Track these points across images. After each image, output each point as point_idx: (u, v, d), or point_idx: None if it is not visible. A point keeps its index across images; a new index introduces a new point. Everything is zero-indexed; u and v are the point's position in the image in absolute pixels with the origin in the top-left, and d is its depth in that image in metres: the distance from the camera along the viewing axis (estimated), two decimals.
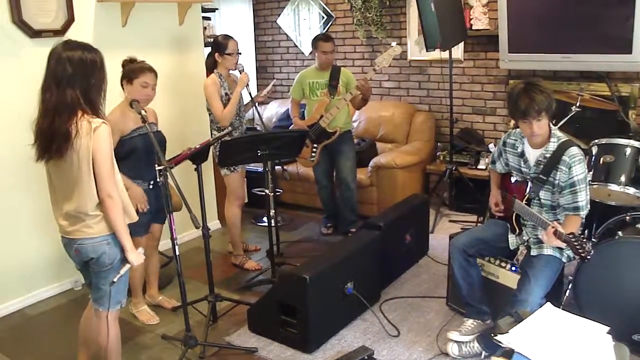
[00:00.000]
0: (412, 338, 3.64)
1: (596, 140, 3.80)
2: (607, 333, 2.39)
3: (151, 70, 3.63)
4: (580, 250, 2.86)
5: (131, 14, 4.63)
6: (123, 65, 3.64)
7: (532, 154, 3.32)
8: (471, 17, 5.76)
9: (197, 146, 3.58)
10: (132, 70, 3.60)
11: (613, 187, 3.60)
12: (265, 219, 4.39)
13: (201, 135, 4.99)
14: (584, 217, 3.22)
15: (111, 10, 4.55)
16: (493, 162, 3.66)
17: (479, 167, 5.75)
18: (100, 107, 2.72)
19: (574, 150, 3.16)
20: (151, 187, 3.74)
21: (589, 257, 2.87)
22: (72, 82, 2.62)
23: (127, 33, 4.68)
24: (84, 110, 2.64)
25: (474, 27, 5.76)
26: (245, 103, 4.72)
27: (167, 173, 3.21)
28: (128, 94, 3.60)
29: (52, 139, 2.61)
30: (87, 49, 2.71)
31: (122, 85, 3.62)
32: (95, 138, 2.62)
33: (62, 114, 2.61)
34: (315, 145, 5.12)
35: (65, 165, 2.67)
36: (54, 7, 4.19)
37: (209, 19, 6.12)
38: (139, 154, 3.62)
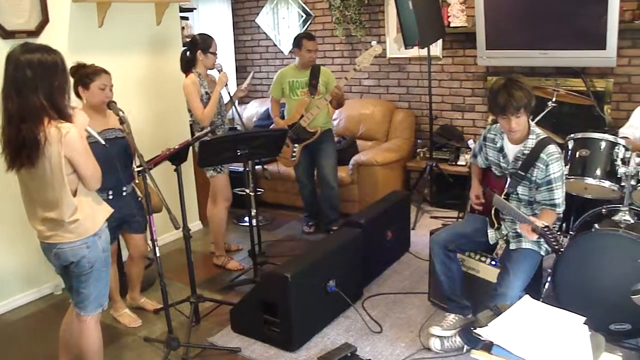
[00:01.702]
0: (395, 334, 3.66)
1: (572, 135, 3.84)
2: (584, 323, 2.42)
3: (105, 71, 3.52)
4: (554, 243, 2.92)
5: (107, 14, 4.58)
6: (73, 73, 3.43)
7: (511, 150, 3.35)
8: (449, 14, 5.79)
9: (176, 147, 3.56)
10: (86, 74, 3.47)
11: (589, 180, 3.65)
12: (246, 218, 4.38)
13: (181, 135, 4.97)
14: (560, 213, 3.27)
15: (87, 10, 4.50)
16: (474, 156, 3.69)
17: (458, 163, 5.79)
18: (67, 109, 2.64)
19: (551, 148, 3.20)
20: (111, 196, 3.60)
21: (562, 250, 2.93)
22: (34, 87, 2.52)
23: (103, 34, 4.64)
24: (50, 116, 2.56)
25: (451, 25, 5.80)
26: (225, 102, 4.71)
27: (146, 174, 3.18)
28: (86, 100, 3.50)
29: (21, 148, 2.54)
30: (47, 51, 2.61)
31: (77, 93, 3.48)
32: (67, 143, 2.56)
33: (27, 122, 2.52)
34: (295, 144, 5.13)
35: (38, 173, 2.62)
36: (27, 7, 4.13)
37: (187, 18, 6.09)
38: (102, 159, 3.23)
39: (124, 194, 3.67)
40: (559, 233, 2.94)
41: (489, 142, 3.50)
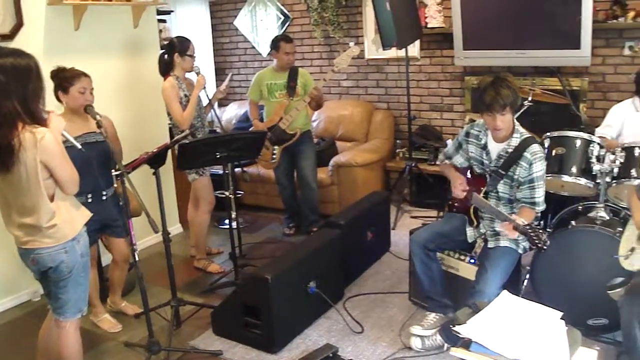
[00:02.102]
0: (376, 334, 3.68)
1: (548, 133, 3.88)
2: (561, 319, 2.45)
3: (85, 74, 3.50)
4: (536, 241, 2.94)
5: (84, 17, 4.55)
6: (52, 77, 3.44)
7: (495, 147, 3.38)
8: (426, 15, 5.83)
9: (155, 150, 3.55)
10: (65, 78, 3.45)
11: (565, 178, 3.69)
12: (227, 221, 4.37)
13: (159, 139, 4.94)
14: (539, 212, 3.31)
15: (63, 13, 4.46)
16: (449, 158, 3.70)
17: (437, 163, 5.80)
18: (42, 114, 2.62)
19: (535, 147, 3.24)
20: (90, 200, 3.58)
21: (545, 247, 2.95)
22: (7, 92, 2.49)
23: (80, 37, 4.60)
24: (25, 121, 2.53)
25: (429, 25, 5.84)
26: (204, 105, 4.70)
27: (125, 178, 3.16)
28: (66, 104, 3.49)
29: None
30: (20, 55, 2.57)
31: (57, 97, 3.47)
32: (42, 148, 2.54)
33: (1, 128, 2.50)
34: (275, 147, 5.12)
35: (13, 179, 2.59)
36: (0, 10, 4.08)
37: (164, 21, 6.07)
38: (79, 163, 3.16)
39: (104, 197, 3.65)
40: (540, 230, 2.97)
41: (472, 138, 3.51)
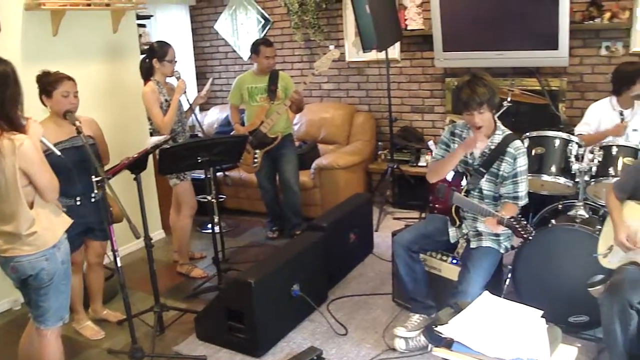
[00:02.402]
0: (360, 335, 3.69)
1: (528, 133, 3.93)
2: (541, 317, 2.48)
3: (68, 78, 3.48)
4: (522, 232, 3.00)
5: (62, 22, 4.51)
6: (37, 81, 3.44)
7: (478, 146, 3.40)
8: (406, 17, 5.87)
9: (135, 155, 3.53)
10: (48, 83, 3.43)
11: (545, 177, 3.74)
12: (209, 225, 4.37)
13: (140, 144, 4.88)
14: (520, 206, 3.34)
15: (41, 18, 4.42)
16: (443, 157, 3.60)
17: (419, 164, 5.85)
18: (20, 120, 2.61)
19: (518, 142, 3.30)
20: (79, 203, 3.59)
21: (531, 237, 3.01)
22: None
23: (58, 42, 4.56)
24: (2, 128, 2.52)
25: (409, 28, 5.88)
26: (185, 110, 4.68)
27: (105, 184, 3.14)
28: (50, 108, 3.47)
29: None
30: None
31: (42, 101, 3.46)
32: (21, 155, 2.53)
33: None
34: (257, 151, 5.12)
35: None
36: None
37: (144, 26, 6.04)
38: (63, 169, 3.20)
39: (93, 200, 3.63)
40: (524, 221, 3.01)
41: (457, 137, 3.54)
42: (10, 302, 4.35)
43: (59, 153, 2.91)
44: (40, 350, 2.92)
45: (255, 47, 5.04)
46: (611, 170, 3.60)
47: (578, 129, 4.16)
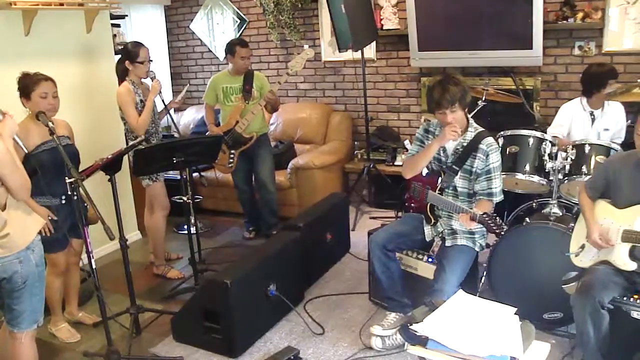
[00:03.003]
0: (337, 335, 3.70)
1: (502, 132, 3.97)
2: (515, 314, 2.51)
3: (47, 79, 3.47)
4: (494, 227, 3.05)
5: (34, 22, 4.45)
6: (17, 83, 3.44)
7: (450, 144, 3.45)
8: (381, 17, 5.89)
9: (109, 156, 3.50)
10: (26, 85, 3.42)
11: (519, 176, 3.78)
12: (186, 226, 4.35)
13: (115, 145, 4.85)
14: (495, 203, 3.38)
15: (12, 17, 4.36)
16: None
17: (396, 163, 5.87)
18: None
19: (490, 139, 3.35)
20: (64, 202, 3.61)
21: (502, 232, 3.09)
22: None
23: (30, 42, 4.50)
24: None
25: (384, 27, 5.90)
26: (159, 110, 4.66)
27: (79, 186, 3.11)
28: (30, 109, 3.45)
29: None
30: None
31: (23, 103, 3.45)
32: None
33: None
34: (232, 151, 5.10)
35: None
36: None
37: (118, 26, 5.99)
38: (46, 169, 3.42)
39: (75, 197, 3.60)
40: (496, 216, 3.05)
41: (431, 134, 3.57)
42: None
43: (26, 151, 2.98)
44: (13, 354, 2.88)
45: (231, 48, 5.01)
46: (584, 169, 3.65)
47: (551, 131, 4.19)
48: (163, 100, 4.50)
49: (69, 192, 3.39)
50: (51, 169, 3.47)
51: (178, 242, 5.44)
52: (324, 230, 4.52)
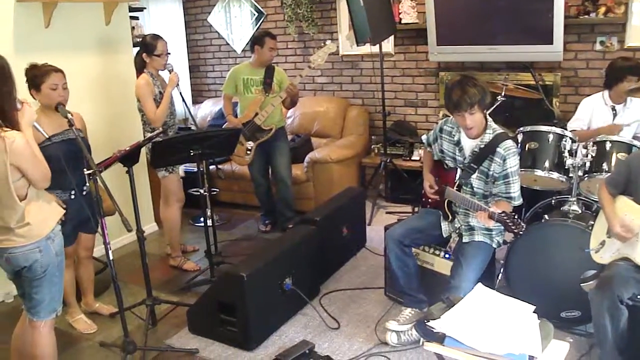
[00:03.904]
0: (352, 329, 3.69)
1: (521, 128, 3.92)
2: (533, 312, 2.48)
3: (56, 70, 3.41)
4: (512, 227, 3.00)
5: (54, 14, 4.48)
6: (25, 75, 3.37)
7: (468, 144, 3.41)
8: (400, 11, 5.85)
9: (127, 148, 3.51)
10: (35, 76, 3.36)
11: (538, 172, 3.73)
12: (202, 219, 4.36)
13: (132, 137, 4.87)
14: (516, 205, 3.34)
15: (32, 10, 4.38)
16: (429, 145, 3.72)
17: (413, 158, 5.85)
18: (16, 116, 2.59)
19: (508, 142, 3.27)
20: (73, 196, 3.53)
21: (521, 232, 3.01)
22: None
23: (50, 34, 4.53)
24: None
25: (403, 21, 5.86)
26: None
27: (97, 177, 3.12)
28: (40, 101, 3.41)
29: None
30: None
31: (32, 95, 3.39)
32: (13, 152, 2.52)
33: None
34: (250, 143, 5.11)
35: None
36: None
37: (137, 18, 6.00)
38: (56, 162, 3.15)
39: (85, 193, 3.61)
40: (515, 215, 3.01)
41: (445, 134, 3.54)
42: (2, 295, 4.34)
43: (47, 136, 2.99)
44: (33, 342, 2.91)
45: (261, 39, 5.00)
46: (605, 166, 3.60)
47: (571, 125, 4.17)
48: (181, 93, 4.50)
49: (79, 187, 3.42)
50: (61, 162, 3.29)
51: (194, 234, 5.46)
52: (340, 224, 4.51)
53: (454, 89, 3.20)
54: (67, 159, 3.32)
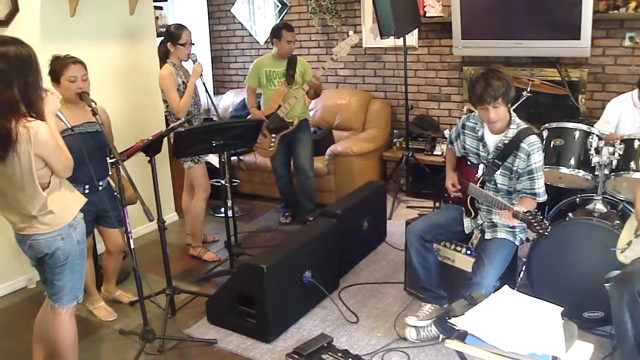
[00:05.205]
0: (371, 324, 3.67)
1: (547, 125, 3.86)
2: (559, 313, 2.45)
3: (76, 62, 3.41)
4: (537, 227, 2.94)
5: (80, 3, 4.50)
6: (49, 66, 3.38)
7: (492, 139, 3.36)
8: (424, 4, 5.80)
9: (150, 138, 3.52)
10: (55, 69, 3.38)
11: (563, 170, 3.67)
12: (223, 209, 4.37)
13: (155, 126, 4.90)
14: (540, 202, 3.29)
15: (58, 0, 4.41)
16: (451, 142, 3.69)
17: (435, 153, 5.81)
18: (40, 105, 2.60)
19: (533, 138, 3.22)
20: (87, 191, 3.50)
21: (546, 233, 2.95)
22: (8, 80, 2.47)
23: (75, 24, 4.55)
24: (21, 112, 2.51)
25: (427, 15, 5.81)
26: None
27: (120, 165, 3.13)
28: (60, 94, 3.35)
29: None
30: (21, 44, 2.55)
31: (54, 88, 3.36)
32: (37, 143, 2.53)
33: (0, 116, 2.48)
34: (273, 134, 5.10)
35: (7, 170, 2.58)
36: None
37: (160, 8, 6.01)
38: (76, 153, 3.03)
39: (100, 188, 3.62)
40: (539, 213, 2.96)
41: (468, 130, 3.50)
42: (25, 280, 4.39)
43: (69, 125, 2.98)
44: (54, 329, 2.94)
45: (278, 32, 5.00)
46: (632, 165, 3.50)
47: (598, 127, 4.06)
48: (204, 83, 4.50)
49: (95, 181, 3.40)
50: (76, 155, 3.11)
51: (214, 224, 5.48)
52: (360, 218, 4.49)
53: (477, 82, 3.15)
54: (82, 153, 3.29)
